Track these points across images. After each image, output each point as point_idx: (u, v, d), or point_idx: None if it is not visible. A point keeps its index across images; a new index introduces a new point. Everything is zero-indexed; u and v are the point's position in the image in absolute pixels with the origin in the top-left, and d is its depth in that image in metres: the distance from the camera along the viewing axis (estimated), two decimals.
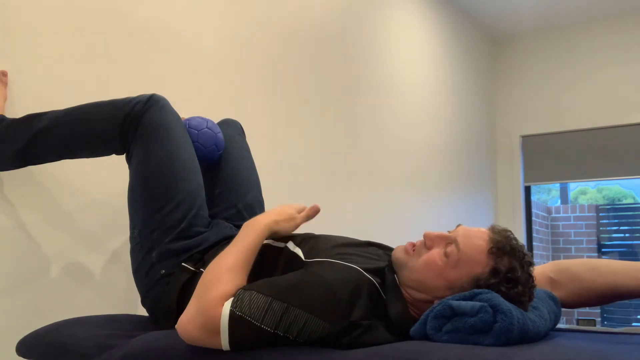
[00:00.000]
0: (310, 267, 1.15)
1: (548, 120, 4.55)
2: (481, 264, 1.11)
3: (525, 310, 1.11)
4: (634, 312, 5.65)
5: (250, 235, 1.20)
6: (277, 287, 1.06)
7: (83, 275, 1.75)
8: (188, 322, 1.03)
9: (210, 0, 2.26)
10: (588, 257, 5.77)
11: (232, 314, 1.01)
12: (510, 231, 1.17)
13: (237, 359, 1.02)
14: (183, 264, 1.35)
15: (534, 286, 1.14)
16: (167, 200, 1.37)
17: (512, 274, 1.10)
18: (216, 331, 1.01)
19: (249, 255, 1.17)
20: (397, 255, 1.21)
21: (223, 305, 1.03)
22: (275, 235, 1.28)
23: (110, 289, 1.82)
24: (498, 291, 1.08)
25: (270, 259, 1.28)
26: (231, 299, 1.04)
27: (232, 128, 1.77)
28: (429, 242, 1.18)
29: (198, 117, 1.63)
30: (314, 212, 1.33)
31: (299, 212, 1.32)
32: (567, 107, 4.49)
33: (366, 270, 1.15)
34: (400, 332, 1.12)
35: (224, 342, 1.01)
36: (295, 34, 2.68)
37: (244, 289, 1.06)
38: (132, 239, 1.40)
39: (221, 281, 1.07)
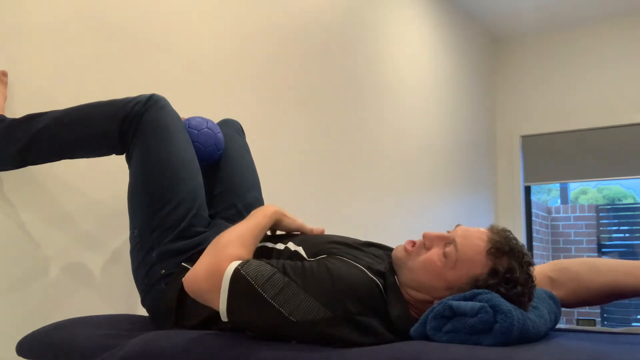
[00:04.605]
0: (316, 261, 1.15)
1: (548, 120, 4.55)
2: (480, 265, 1.11)
3: (525, 310, 1.11)
4: (634, 312, 5.65)
5: (259, 217, 1.28)
6: (283, 265, 1.11)
7: (83, 275, 1.75)
8: (196, 272, 1.10)
9: (211, 1, 2.26)
10: (588, 257, 5.77)
11: (236, 272, 1.06)
12: (509, 231, 1.16)
13: (237, 359, 1.02)
14: (183, 263, 1.35)
15: (533, 286, 1.14)
16: (167, 200, 1.38)
17: (510, 275, 1.10)
18: (218, 284, 1.06)
19: (258, 232, 1.24)
20: (397, 254, 1.21)
21: (231, 262, 1.09)
22: (279, 226, 1.34)
23: (110, 289, 1.82)
24: (497, 292, 1.08)
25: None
26: (240, 260, 1.10)
27: (232, 128, 1.77)
28: (427, 242, 1.18)
29: (198, 117, 1.64)
30: (318, 230, 1.40)
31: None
32: (567, 107, 4.49)
33: (369, 269, 1.15)
34: (400, 332, 1.12)
35: (222, 301, 1.05)
36: (295, 33, 2.68)
37: (254, 258, 1.13)
38: (132, 238, 1.41)
39: (234, 245, 1.14)
